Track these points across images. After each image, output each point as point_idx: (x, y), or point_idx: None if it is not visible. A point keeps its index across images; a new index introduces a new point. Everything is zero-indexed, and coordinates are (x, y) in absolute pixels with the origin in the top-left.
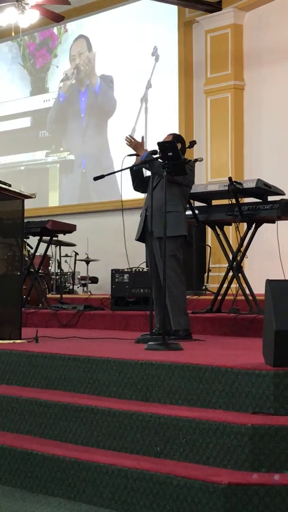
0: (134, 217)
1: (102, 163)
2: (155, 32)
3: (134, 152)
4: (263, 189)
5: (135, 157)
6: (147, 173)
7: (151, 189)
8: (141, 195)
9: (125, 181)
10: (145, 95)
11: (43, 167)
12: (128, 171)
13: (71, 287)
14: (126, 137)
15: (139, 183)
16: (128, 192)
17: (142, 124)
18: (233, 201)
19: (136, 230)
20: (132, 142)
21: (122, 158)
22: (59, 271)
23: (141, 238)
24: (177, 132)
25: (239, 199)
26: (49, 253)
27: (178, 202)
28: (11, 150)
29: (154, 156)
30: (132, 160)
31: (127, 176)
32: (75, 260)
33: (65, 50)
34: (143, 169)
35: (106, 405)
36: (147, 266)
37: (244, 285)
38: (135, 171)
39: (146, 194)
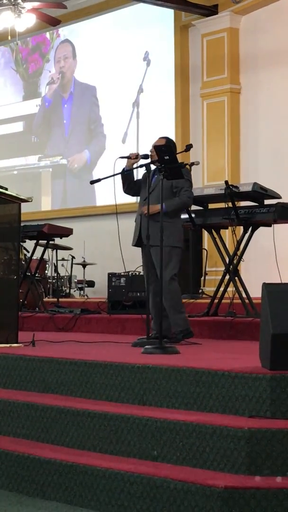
0: (129, 221)
1: (90, 169)
2: (151, 36)
3: (126, 155)
4: (259, 193)
5: (125, 159)
6: (138, 175)
7: (147, 195)
8: (132, 200)
9: (118, 185)
10: (137, 100)
11: (36, 171)
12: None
13: (67, 291)
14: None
15: (130, 185)
16: (123, 196)
17: (134, 129)
18: (230, 204)
19: (131, 234)
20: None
21: (114, 160)
22: (55, 275)
23: (137, 244)
24: (173, 136)
25: (236, 203)
26: (45, 257)
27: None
28: (4, 155)
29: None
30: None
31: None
32: (72, 264)
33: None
34: (133, 172)
35: (103, 409)
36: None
37: (241, 289)
38: (126, 174)
39: (137, 198)
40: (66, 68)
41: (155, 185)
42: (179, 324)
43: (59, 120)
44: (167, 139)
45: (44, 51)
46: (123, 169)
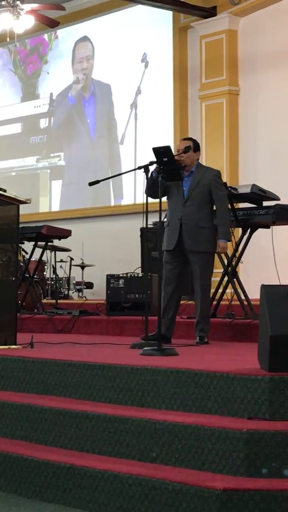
0: (129, 222)
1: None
2: (150, 38)
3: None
4: (258, 194)
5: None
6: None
7: (182, 201)
8: (130, 201)
9: (117, 186)
10: (135, 101)
11: (34, 173)
12: (121, 177)
13: (66, 292)
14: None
15: (155, 188)
16: (123, 197)
17: (132, 130)
18: (228, 206)
19: (132, 235)
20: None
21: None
22: (54, 276)
23: (175, 247)
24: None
25: (234, 204)
26: (44, 258)
27: (211, 217)
28: (2, 156)
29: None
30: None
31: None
32: (70, 265)
33: (56, 57)
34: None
35: (101, 410)
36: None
37: (239, 290)
38: (154, 178)
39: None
40: (89, 69)
41: (191, 191)
42: (205, 331)
43: (82, 120)
44: (192, 140)
45: (42, 52)
46: (152, 172)
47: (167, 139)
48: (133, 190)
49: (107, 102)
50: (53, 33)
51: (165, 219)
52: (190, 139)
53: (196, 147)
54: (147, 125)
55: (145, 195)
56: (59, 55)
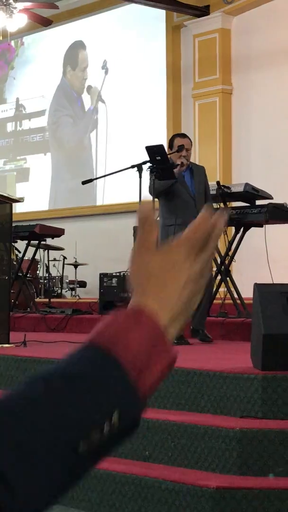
0: (122, 221)
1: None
2: (143, 37)
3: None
4: (251, 193)
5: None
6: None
7: (192, 199)
8: (120, 200)
9: (108, 186)
10: (128, 100)
11: (1, 175)
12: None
13: (59, 291)
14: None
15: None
16: (112, 197)
17: (125, 129)
18: (221, 205)
19: (125, 234)
20: None
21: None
22: (47, 275)
23: None
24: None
25: (227, 203)
26: (37, 257)
27: None
28: None
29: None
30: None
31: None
32: (63, 264)
33: (22, 63)
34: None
35: None
36: None
37: (232, 289)
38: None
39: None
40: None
41: (197, 188)
42: (203, 325)
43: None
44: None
45: (9, 58)
46: (176, 177)
47: (160, 138)
48: (126, 189)
49: (99, 102)
50: (19, 40)
51: (168, 218)
52: (187, 135)
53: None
54: (140, 124)
55: (138, 194)
56: (26, 61)
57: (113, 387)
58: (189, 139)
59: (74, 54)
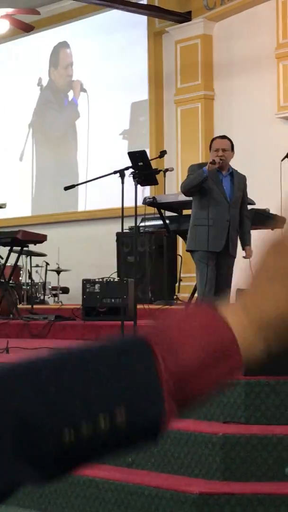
0: (104, 227)
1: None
2: (125, 43)
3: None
4: None
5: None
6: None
7: (227, 203)
8: (103, 206)
9: (91, 192)
10: (109, 106)
11: None
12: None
13: (42, 297)
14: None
15: (198, 187)
16: (95, 202)
17: (105, 135)
18: None
19: (109, 240)
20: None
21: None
22: (30, 281)
23: (223, 249)
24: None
25: None
26: (19, 263)
27: None
28: None
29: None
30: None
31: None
32: (46, 270)
33: None
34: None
35: None
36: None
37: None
38: (206, 178)
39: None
40: (69, 73)
41: (234, 193)
42: None
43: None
44: (229, 139)
45: None
46: (205, 173)
47: (143, 144)
48: (109, 194)
49: (86, 107)
50: None
51: (199, 219)
52: (227, 137)
53: (232, 146)
54: (123, 130)
55: (121, 200)
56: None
57: (137, 380)
58: (228, 140)
59: (55, 54)
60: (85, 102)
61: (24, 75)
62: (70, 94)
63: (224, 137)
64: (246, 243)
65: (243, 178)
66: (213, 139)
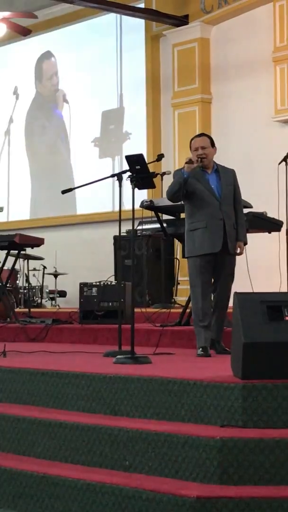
0: (102, 231)
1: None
2: (122, 46)
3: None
4: None
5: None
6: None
7: (217, 201)
8: (100, 210)
9: (88, 195)
10: (106, 110)
11: None
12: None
13: (39, 301)
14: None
15: (182, 191)
16: (92, 206)
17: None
18: None
19: (106, 243)
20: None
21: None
22: (27, 285)
23: (222, 249)
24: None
25: None
26: (17, 267)
27: None
28: None
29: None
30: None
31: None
32: (43, 274)
33: None
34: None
35: (74, 419)
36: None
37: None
38: (185, 180)
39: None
40: (56, 82)
41: (223, 190)
42: (221, 336)
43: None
44: (208, 135)
45: None
46: (185, 175)
47: (140, 147)
48: (106, 198)
49: (79, 111)
50: None
51: (192, 223)
52: (205, 134)
53: (212, 142)
54: (119, 133)
55: (118, 203)
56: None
57: None
58: (207, 136)
59: (39, 66)
60: (81, 106)
61: (19, 79)
62: (60, 101)
63: (202, 134)
64: (238, 238)
65: (230, 172)
66: (191, 139)
